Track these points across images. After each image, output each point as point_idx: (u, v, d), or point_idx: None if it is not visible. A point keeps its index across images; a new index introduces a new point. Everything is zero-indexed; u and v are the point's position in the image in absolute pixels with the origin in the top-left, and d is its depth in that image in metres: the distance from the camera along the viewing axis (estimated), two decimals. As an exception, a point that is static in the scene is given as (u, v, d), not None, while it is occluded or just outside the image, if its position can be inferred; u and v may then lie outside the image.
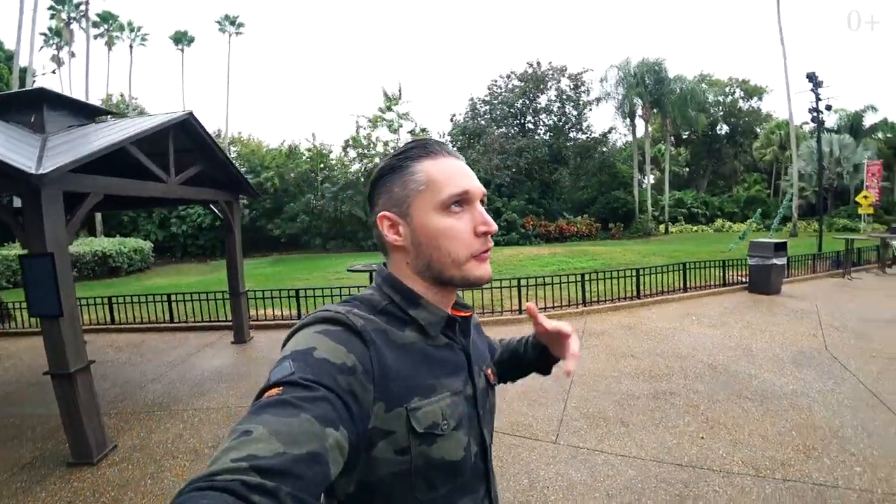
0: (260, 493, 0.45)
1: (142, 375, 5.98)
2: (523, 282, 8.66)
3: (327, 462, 0.53)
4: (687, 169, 38.70)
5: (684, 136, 38.15)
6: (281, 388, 0.58)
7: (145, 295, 9.34)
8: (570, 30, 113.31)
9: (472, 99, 30.93)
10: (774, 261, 9.20)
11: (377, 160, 28.34)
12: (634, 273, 9.12)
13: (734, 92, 38.11)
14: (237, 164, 30.65)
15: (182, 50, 37.64)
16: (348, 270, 7.97)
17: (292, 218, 29.05)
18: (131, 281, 17.58)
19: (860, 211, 21.56)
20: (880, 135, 31.38)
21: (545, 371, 1.08)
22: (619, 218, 28.21)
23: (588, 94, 28.65)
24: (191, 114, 5.60)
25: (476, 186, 0.77)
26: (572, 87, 28.41)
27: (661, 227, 28.45)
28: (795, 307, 7.99)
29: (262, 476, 0.46)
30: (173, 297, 8.83)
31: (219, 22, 36.81)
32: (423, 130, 29.03)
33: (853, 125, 30.36)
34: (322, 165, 29.97)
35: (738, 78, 37.92)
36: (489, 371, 0.90)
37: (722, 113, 37.97)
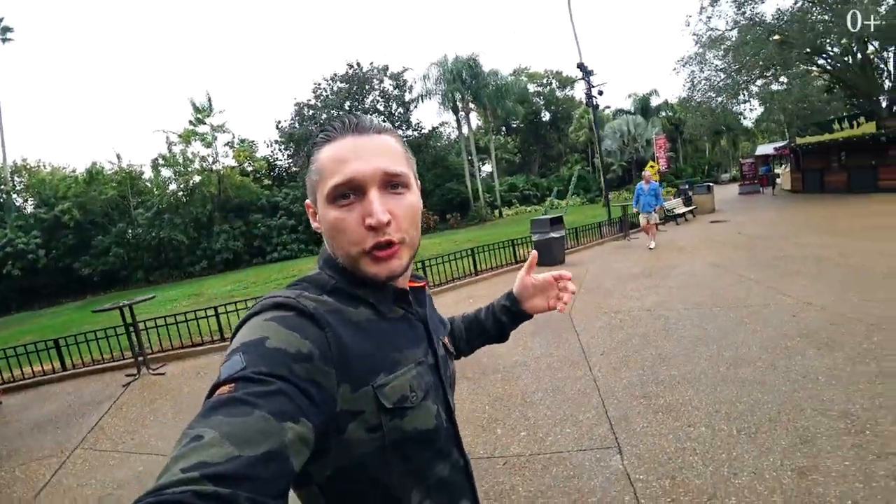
0: (214, 502, 0.41)
1: None
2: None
3: (287, 458, 0.49)
4: (518, 155, 41.77)
5: (513, 126, 41.02)
6: (233, 384, 0.53)
7: None
8: (391, 30, 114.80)
9: (297, 103, 29.92)
10: (552, 234, 10.02)
11: (196, 178, 26.06)
12: (420, 266, 9.30)
13: (551, 83, 41.99)
14: (24, 197, 25.78)
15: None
16: (93, 312, 6.78)
17: (103, 252, 25.53)
18: None
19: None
20: (664, 114, 36.80)
21: (502, 339, 1.09)
22: (456, 208, 29.44)
23: (411, 92, 29.34)
24: None
25: (369, 169, 0.67)
26: (394, 85, 28.80)
27: (496, 212, 30.21)
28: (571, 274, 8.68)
29: (215, 484, 0.42)
30: None
31: (-26, 26, 30.82)
32: (241, 142, 27.34)
33: (643, 107, 35.30)
34: (133, 189, 26.69)
35: (552, 70, 41.96)
36: (445, 340, 0.88)
37: (543, 102, 41.65)
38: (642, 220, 10.87)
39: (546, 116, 42.91)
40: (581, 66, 17.67)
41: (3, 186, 27.70)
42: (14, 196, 28.03)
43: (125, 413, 5.26)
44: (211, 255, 25.21)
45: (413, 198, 0.74)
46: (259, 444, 0.47)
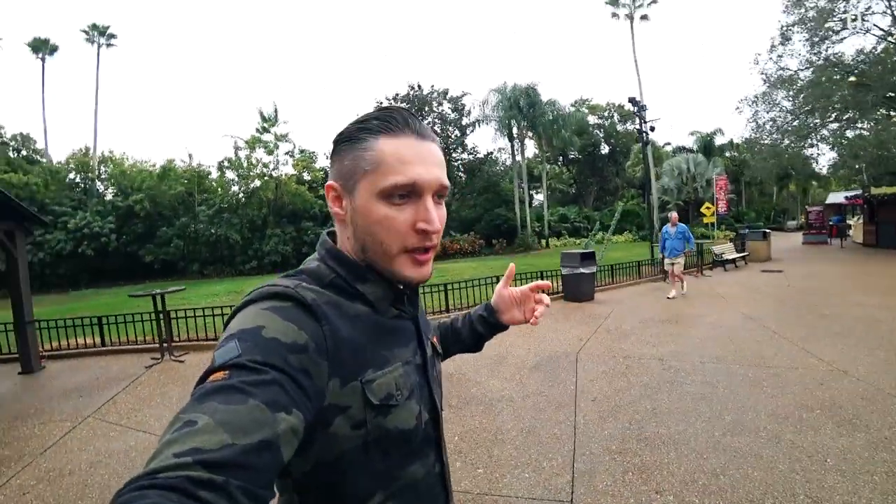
0: (208, 488, 0.42)
1: None
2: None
3: (279, 448, 0.49)
4: (574, 186, 41.07)
5: (570, 156, 40.48)
6: (227, 371, 0.53)
7: None
8: (453, 55, 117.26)
9: (359, 119, 30.90)
10: (582, 270, 9.69)
11: (256, 182, 27.46)
12: (442, 288, 9.26)
13: (612, 116, 41.21)
14: (107, 185, 28.20)
15: (43, 59, 34.75)
16: (130, 296, 7.81)
17: (166, 243, 27.31)
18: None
19: (704, 220, 23.82)
20: (728, 154, 35.13)
21: (477, 349, 1.11)
22: (503, 234, 29.20)
23: (469, 116, 29.69)
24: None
25: (430, 178, 0.69)
26: (452, 108, 29.29)
27: (543, 241, 29.74)
28: (594, 312, 8.44)
29: (208, 470, 0.43)
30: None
31: (86, 31, 34.41)
32: (301, 152, 28.54)
33: (706, 146, 33.84)
34: (200, 187, 28.49)
35: (614, 103, 41.19)
36: (434, 339, 0.89)
37: (602, 135, 40.88)
38: (667, 265, 9.89)
39: (605, 149, 42.06)
40: (632, 101, 17.25)
41: (90, 174, 30.44)
42: (98, 183, 30.66)
43: (138, 392, 5.63)
44: (261, 256, 26.32)
45: (445, 211, 0.76)
46: (253, 433, 0.47)
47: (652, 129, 16.98)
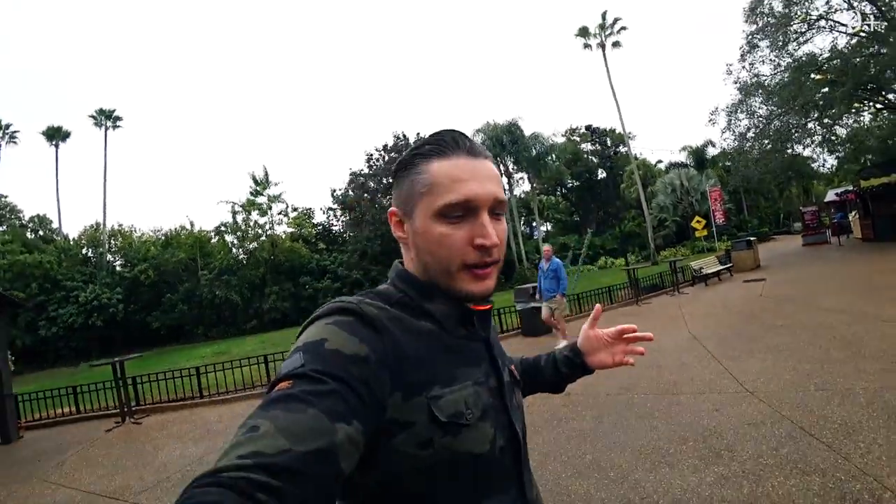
0: (265, 491, 0.44)
1: None
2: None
3: (337, 459, 0.51)
4: (576, 214, 40.77)
5: (568, 185, 40.41)
6: (291, 381, 0.55)
7: None
8: (437, 99, 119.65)
9: (352, 173, 31.72)
10: (533, 304, 9.44)
11: (255, 243, 28.16)
12: None
13: (605, 141, 41.23)
14: (116, 257, 29.38)
15: (56, 146, 36.82)
16: (90, 366, 8.72)
17: (171, 308, 27.96)
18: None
19: (696, 234, 23.30)
20: (722, 164, 34.61)
21: (557, 390, 1.08)
22: (502, 269, 28.92)
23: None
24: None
25: (484, 193, 0.70)
26: (438, 152, 29.72)
27: (542, 272, 29.34)
28: (550, 346, 8.07)
29: (267, 474, 0.45)
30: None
31: (94, 116, 36.46)
32: (295, 209, 29.29)
33: (698, 159, 33.45)
34: (202, 251, 29.34)
35: (605, 128, 41.22)
36: (513, 367, 0.88)
37: (598, 160, 40.78)
38: (544, 311, 7.93)
39: (602, 174, 41.95)
40: (572, 129, 17.34)
41: (100, 248, 31.68)
42: (108, 256, 31.86)
43: (88, 453, 5.99)
44: (261, 315, 26.68)
45: (505, 225, 0.76)
46: (310, 441, 0.49)
47: (615, 153, 16.90)
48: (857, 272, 11.16)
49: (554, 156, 29.08)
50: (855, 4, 17.78)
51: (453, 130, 0.74)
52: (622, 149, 39.79)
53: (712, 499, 2.81)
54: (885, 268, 10.86)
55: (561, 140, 35.30)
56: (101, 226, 33.24)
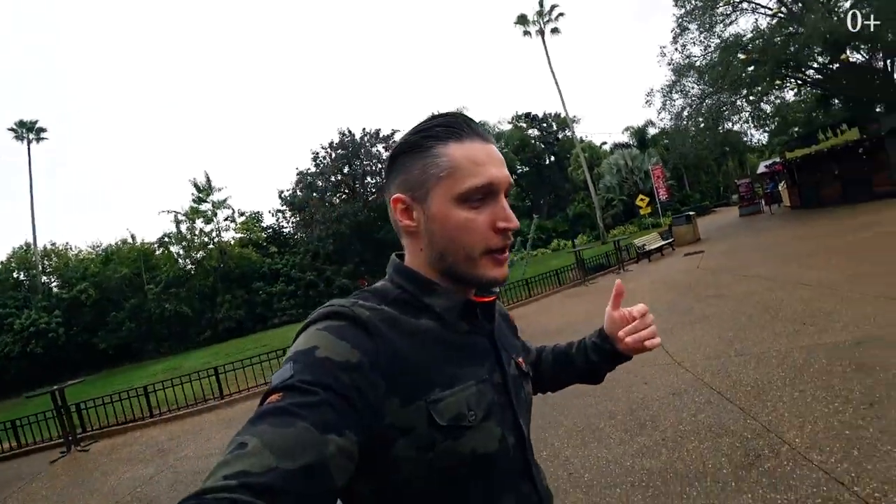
0: None
1: None
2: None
3: (328, 472, 0.49)
4: (528, 200, 41.44)
5: (518, 171, 40.96)
6: (281, 393, 0.54)
7: None
8: (382, 93, 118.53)
9: (299, 172, 31.00)
10: None
11: (202, 252, 27.13)
12: None
13: (552, 125, 42.02)
14: (51, 278, 27.67)
15: (-28, 166, 34.13)
16: (26, 398, 8.35)
17: (118, 327, 26.62)
18: None
19: (641, 212, 24.18)
20: (665, 142, 36.01)
21: (595, 379, 0.99)
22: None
23: (404, 151, 29.95)
24: None
25: (503, 177, 0.69)
26: (385, 147, 29.53)
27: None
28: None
29: (252, 494, 0.44)
30: None
31: (14, 129, 33.94)
32: (242, 214, 28.42)
33: (641, 138, 34.67)
34: (147, 265, 28.01)
35: (551, 112, 42.00)
36: (520, 360, 0.82)
37: (544, 145, 41.54)
38: None
39: (551, 159, 42.76)
40: (518, 116, 17.67)
41: (33, 271, 29.71)
42: (43, 277, 29.91)
43: (31, 488, 5.77)
44: (215, 325, 25.81)
45: None
46: (298, 457, 0.47)
47: (557, 139, 17.29)
48: (783, 239, 11.90)
49: (502, 143, 29.36)
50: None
51: (459, 113, 0.72)
52: (568, 133, 40.71)
53: (633, 468, 2.94)
54: (808, 233, 11.65)
55: (507, 127, 35.75)
56: (32, 246, 31.16)
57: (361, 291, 0.71)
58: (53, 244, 32.08)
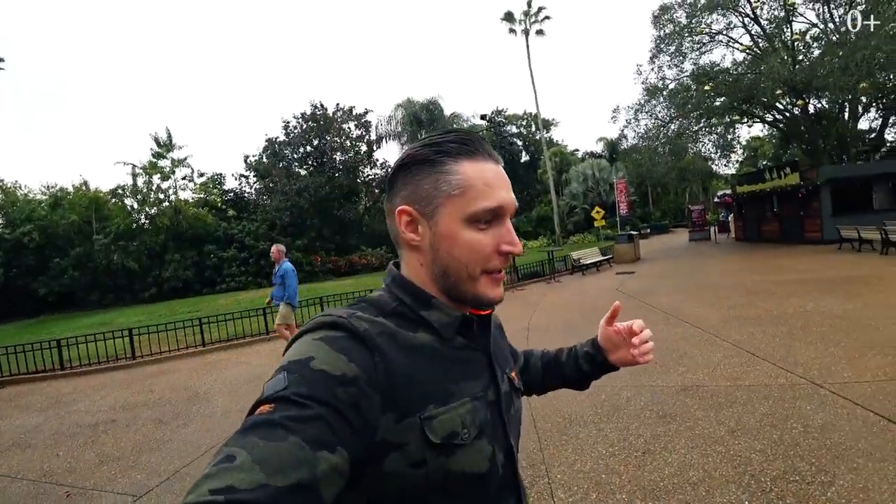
0: None
1: None
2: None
3: (318, 490, 0.48)
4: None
5: (492, 166, 41.02)
6: (272, 404, 0.52)
7: None
8: (359, 71, 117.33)
9: (268, 139, 30.44)
10: None
11: (156, 208, 26.51)
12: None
13: (530, 124, 42.26)
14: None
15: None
16: None
17: (61, 274, 25.84)
18: None
19: (596, 224, 24.79)
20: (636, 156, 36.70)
21: (582, 387, 1.03)
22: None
23: (376, 132, 29.78)
24: None
25: (510, 200, 0.69)
26: (357, 125, 29.29)
27: (457, 253, 29.99)
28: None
29: None
30: None
31: (-30, 58, 32.19)
32: (202, 175, 27.82)
33: (612, 150, 35.27)
34: (98, 214, 27.17)
35: (530, 112, 42.16)
36: (513, 374, 0.82)
37: (522, 144, 41.80)
38: (277, 320, 6.87)
39: (526, 157, 43.06)
40: (483, 117, 17.86)
41: (-27, 206, 28.41)
42: (-14, 215, 28.62)
43: None
44: (161, 283, 25.36)
45: None
46: (289, 474, 0.46)
47: (511, 143, 17.54)
48: (710, 271, 12.47)
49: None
50: (748, 26, 19.31)
51: (472, 132, 0.72)
52: (545, 134, 40.99)
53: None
54: (733, 268, 12.24)
55: (482, 122, 35.67)
56: (-24, 180, 29.79)
57: (359, 300, 0.71)
58: (1, 181, 30.67)
